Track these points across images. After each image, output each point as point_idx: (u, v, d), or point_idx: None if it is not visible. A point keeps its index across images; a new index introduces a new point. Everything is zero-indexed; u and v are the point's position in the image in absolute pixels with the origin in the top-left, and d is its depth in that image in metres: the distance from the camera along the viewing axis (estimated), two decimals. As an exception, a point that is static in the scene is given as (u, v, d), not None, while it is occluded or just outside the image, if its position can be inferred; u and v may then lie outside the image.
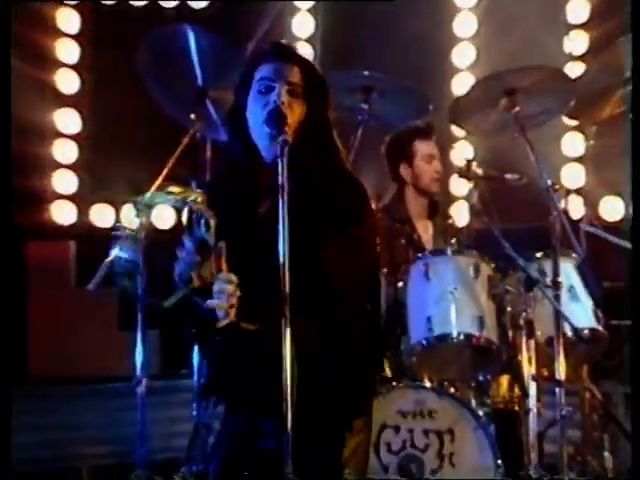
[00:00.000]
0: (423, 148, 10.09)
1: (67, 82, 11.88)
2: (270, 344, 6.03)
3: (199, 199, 5.93)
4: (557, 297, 9.05)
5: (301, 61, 6.56)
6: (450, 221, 10.74)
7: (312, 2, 12.36)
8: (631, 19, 7.09)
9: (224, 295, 5.89)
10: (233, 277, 5.94)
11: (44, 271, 11.28)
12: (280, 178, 5.91)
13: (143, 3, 12.18)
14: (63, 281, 11.30)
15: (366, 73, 9.94)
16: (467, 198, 10.47)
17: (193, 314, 6.02)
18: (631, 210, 7.79)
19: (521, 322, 9.14)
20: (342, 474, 6.40)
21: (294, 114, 6.29)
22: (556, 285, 9.06)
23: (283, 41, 8.63)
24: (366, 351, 6.52)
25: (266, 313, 6.09)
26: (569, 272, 9.39)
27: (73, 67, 12.05)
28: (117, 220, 11.53)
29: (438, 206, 10.49)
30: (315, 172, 6.38)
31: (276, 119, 6.15)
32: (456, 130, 11.59)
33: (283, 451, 5.89)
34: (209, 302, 5.99)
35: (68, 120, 11.87)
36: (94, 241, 11.20)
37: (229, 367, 6.53)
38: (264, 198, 6.28)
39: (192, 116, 9.68)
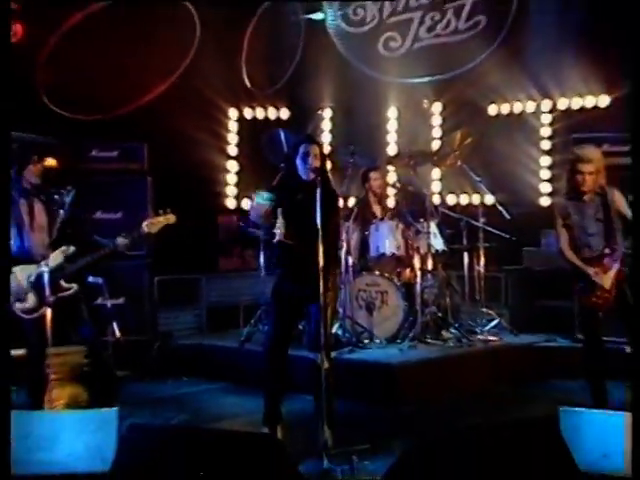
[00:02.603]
0: (374, 175, 10.03)
1: (231, 151, 11.91)
2: (297, 248, 6.38)
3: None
4: (428, 236, 9.33)
5: (317, 143, 6.78)
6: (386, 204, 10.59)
7: (330, 113, 12.11)
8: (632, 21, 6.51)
9: (280, 228, 6.32)
10: (282, 222, 6.33)
11: (225, 227, 11.55)
12: (318, 190, 6.13)
13: (262, 117, 11.99)
14: (230, 231, 11.43)
15: (352, 147, 9.91)
16: (393, 196, 10.91)
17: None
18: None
19: (415, 246, 9.43)
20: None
21: (316, 163, 6.39)
22: (428, 232, 9.35)
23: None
24: (334, 252, 6.83)
25: (296, 238, 6.36)
26: (433, 227, 9.50)
27: (236, 144, 12.01)
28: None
29: (382, 198, 10.42)
30: (322, 184, 6.31)
31: (310, 170, 6.38)
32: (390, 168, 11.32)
33: (306, 291, 6.35)
34: (275, 230, 6.35)
35: (233, 165, 11.90)
36: (244, 215, 10.88)
37: (280, 259, 6.66)
38: (299, 193, 6.45)
39: (282, 166, 8.79)
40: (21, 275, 6.64)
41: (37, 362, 6.68)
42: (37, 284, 6.56)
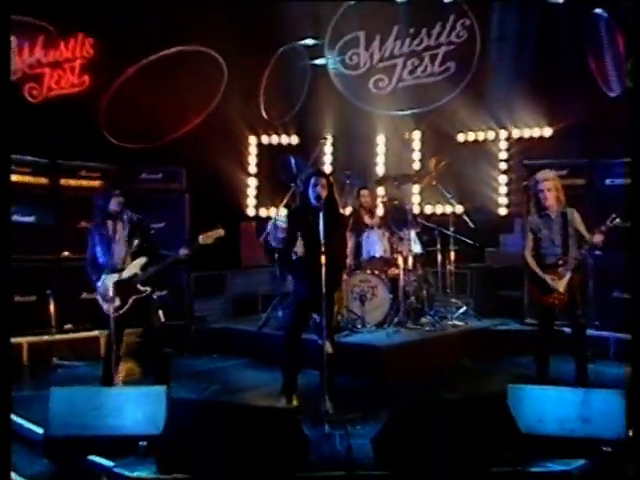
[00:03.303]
0: (364, 193, 9.98)
1: (252, 170, 11.74)
2: (311, 259, 6.38)
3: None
4: (409, 242, 9.32)
5: (325, 176, 6.81)
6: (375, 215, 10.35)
7: (331, 139, 11.94)
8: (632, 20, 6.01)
9: (299, 247, 6.44)
10: (301, 243, 6.50)
11: (246, 231, 11.30)
12: (322, 216, 6.32)
13: (276, 142, 12.00)
14: (250, 235, 11.14)
15: (348, 172, 10.15)
16: (382, 208, 10.74)
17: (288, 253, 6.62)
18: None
19: (398, 250, 9.39)
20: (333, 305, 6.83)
21: (324, 193, 6.55)
22: (409, 239, 9.34)
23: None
24: (341, 264, 6.93)
25: (310, 252, 6.41)
26: (413, 234, 9.48)
27: (255, 164, 11.88)
28: (268, 216, 11.44)
29: (372, 211, 10.24)
30: (329, 209, 6.51)
31: (318, 197, 6.53)
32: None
33: (317, 292, 6.33)
34: (296, 249, 6.51)
35: (253, 181, 11.77)
36: (261, 222, 11.27)
37: (298, 269, 6.69)
38: (311, 216, 6.49)
39: (292, 184, 9.48)
40: (109, 281, 6.90)
41: (115, 346, 6.86)
42: (120, 288, 6.86)
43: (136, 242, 6.96)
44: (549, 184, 7.12)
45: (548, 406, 5.68)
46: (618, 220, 6.73)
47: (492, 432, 5.34)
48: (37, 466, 5.80)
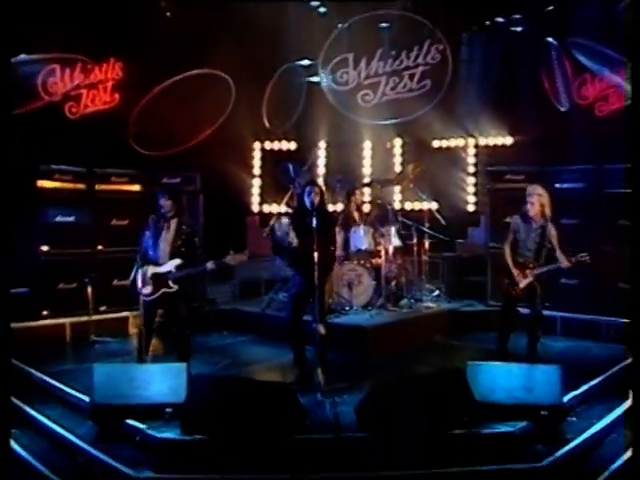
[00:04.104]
0: (357, 192, 9.93)
1: (256, 172, 11.78)
2: (306, 254, 6.64)
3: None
4: (390, 237, 9.51)
5: (318, 185, 7.14)
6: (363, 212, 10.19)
7: (324, 145, 11.95)
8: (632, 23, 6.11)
9: (294, 239, 6.83)
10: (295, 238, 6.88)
11: (251, 224, 11.44)
12: (315, 218, 6.64)
13: (277, 148, 12.09)
14: (255, 227, 11.28)
15: (339, 177, 10.45)
16: (368, 206, 10.75)
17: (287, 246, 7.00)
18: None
19: (381, 243, 9.43)
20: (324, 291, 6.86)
21: (317, 199, 6.90)
22: (390, 233, 9.52)
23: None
24: (331, 258, 7.06)
25: (305, 246, 6.69)
26: (393, 230, 9.61)
27: (259, 167, 11.92)
28: (270, 212, 11.57)
29: (360, 208, 10.12)
30: (321, 212, 6.82)
31: (312, 203, 6.85)
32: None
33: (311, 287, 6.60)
34: (291, 240, 6.91)
35: (256, 181, 11.74)
36: (264, 217, 11.49)
37: (295, 258, 7.01)
38: (307, 218, 6.74)
39: (290, 186, 9.76)
40: (149, 271, 7.09)
41: (146, 327, 7.15)
42: (155, 279, 7.09)
43: (177, 245, 7.12)
44: (534, 198, 7.39)
45: (499, 379, 6.06)
46: (588, 259, 7.09)
47: (453, 401, 5.73)
48: (84, 427, 6.19)
